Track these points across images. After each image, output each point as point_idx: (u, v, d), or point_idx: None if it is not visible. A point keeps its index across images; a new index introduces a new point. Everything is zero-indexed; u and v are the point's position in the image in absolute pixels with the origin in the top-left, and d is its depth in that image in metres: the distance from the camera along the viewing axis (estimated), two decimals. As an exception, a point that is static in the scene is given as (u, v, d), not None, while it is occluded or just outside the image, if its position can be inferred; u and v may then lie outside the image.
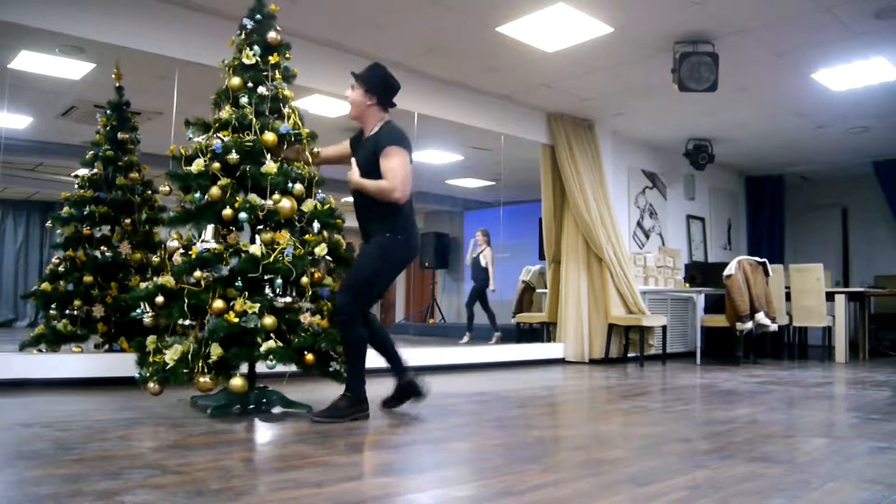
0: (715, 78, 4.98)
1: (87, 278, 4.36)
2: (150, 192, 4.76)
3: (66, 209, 4.54)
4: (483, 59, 5.49)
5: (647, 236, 7.98)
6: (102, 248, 4.49)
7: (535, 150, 6.98)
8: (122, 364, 4.20)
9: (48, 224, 4.64)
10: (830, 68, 5.56)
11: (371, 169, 3.15)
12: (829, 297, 7.18)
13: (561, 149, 6.73)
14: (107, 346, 4.47)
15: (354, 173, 3.18)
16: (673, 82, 5.09)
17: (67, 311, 4.38)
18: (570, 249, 6.81)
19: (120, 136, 4.69)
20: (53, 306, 4.39)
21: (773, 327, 6.85)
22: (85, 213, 4.49)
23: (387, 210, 3.13)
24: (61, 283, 4.43)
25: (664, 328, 6.99)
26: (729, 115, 6.94)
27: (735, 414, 3.51)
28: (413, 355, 5.36)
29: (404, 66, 5.58)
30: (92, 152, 4.66)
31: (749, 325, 6.57)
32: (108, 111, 4.74)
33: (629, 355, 6.89)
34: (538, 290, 7.84)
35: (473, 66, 5.64)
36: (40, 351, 4.29)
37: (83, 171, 4.66)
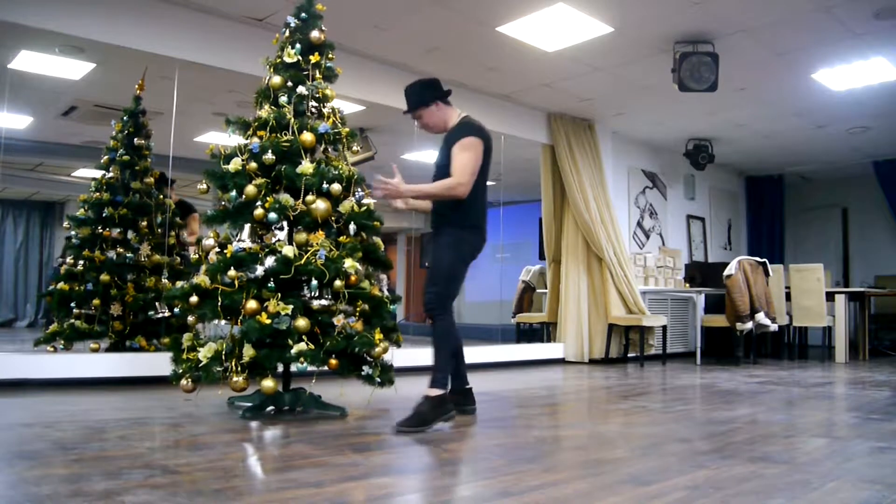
0: (715, 78, 4.98)
1: (105, 277, 4.48)
2: (162, 196, 4.86)
3: (81, 211, 4.64)
4: (483, 59, 5.49)
5: (647, 236, 7.98)
6: (119, 249, 4.62)
7: (535, 150, 6.98)
8: (123, 364, 4.22)
9: (65, 225, 4.77)
10: (830, 68, 5.56)
11: (447, 165, 3.17)
12: (829, 297, 7.18)
13: (561, 149, 6.73)
14: (119, 345, 4.57)
15: (398, 183, 3.08)
16: (673, 82, 5.09)
17: (83, 310, 4.50)
18: (570, 249, 6.81)
19: (136, 142, 4.82)
20: (73, 305, 4.49)
21: (774, 327, 6.85)
22: (104, 215, 4.62)
23: (459, 201, 3.12)
24: (76, 283, 4.54)
25: (664, 328, 6.99)
26: (729, 115, 6.94)
27: (735, 414, 3.51)
28: (413, 355, 5.37)
29: (404, 66, 5.58)
30: (107, 156, 4.80)
31: (749, 325, 6.57)
32: (124, 117, 4.86)
33: (629, 355, 6.89)
34: (538, 290, 7.84)
35: (473, 66, 5.65)
36: (55, 349, 4.36)
37: (96, 174, 4.79)
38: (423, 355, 5.39)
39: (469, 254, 3.23)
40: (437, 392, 2.98)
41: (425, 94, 3.29)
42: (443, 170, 3.22)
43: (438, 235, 3.24)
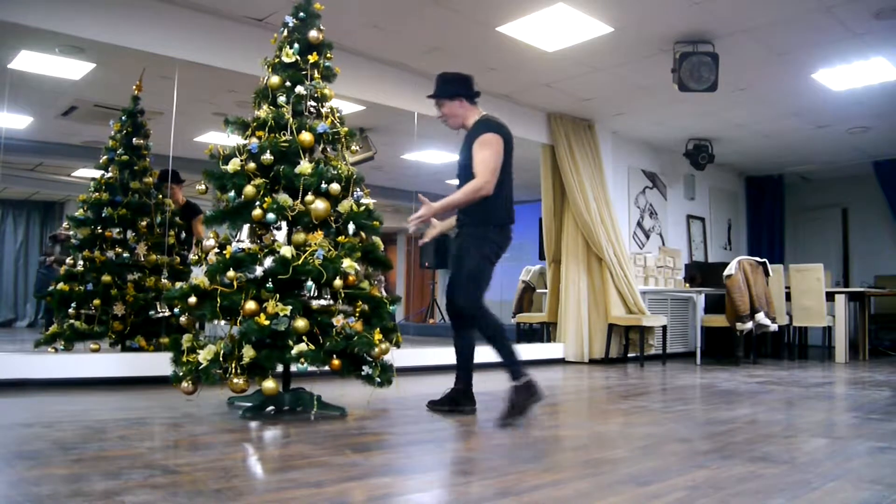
0: (715, 78, 4.98)
1: (106, 278, 4.49)
2: (161, 196, 4.87)
3: (80, 211, 4.63)
4: (483, 59, 5.49)
5: (647, 236, 7.98)
6: (118, 249, 4.61)
7: (535, 150, 6.98)
8: (123, 364, 4.22)
9: (65, 225, 4.77)
10: (830, 68, 5.56)
11: (468, 164, 3.20)
12: (829, 297, 7.18)
13: (561, 149, 6.73)
14: (120, 345, 4.58)
15: (427, 208, 3.15)
16: (673, 82, 5.09)
17: (83, 311, 4.50)
18: (570, 249, 6.81)
19: (135, 141, 4.82)
20: (73, 305, 4.48)
21: (774, 327, 6.85)
22: (104, 215, 4.62)
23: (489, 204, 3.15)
24: (76, 283, 4.54)
25: (664, 328, 6.98)
26: (729, 115, 6.94)
27: (735, 414, 3.51)
28: (413, 355, 5.37)
29: (404, 66, 5.58)
30: (106, 156, 4.80)
31: (749, 325, 6.57)
32: (122, 117, 4.86)
33: (629, 355, 6.89)
34: (538, 290, 7.84)
35: (473, 66, 5.63)
36: (55, 349, 4.36)
37: (96, 174, 4.80)
38: (423, 355, 5.41)
39: (493, 252, 3.26)
40: (521, 381, 3.07)
41: (452, 87, 3.33)
42: (466, 170, 3.24)
43: (461, 236, 3.27)
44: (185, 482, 1.92)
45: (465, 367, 3.37)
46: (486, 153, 3.15)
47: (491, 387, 4.65)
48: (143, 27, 4.31)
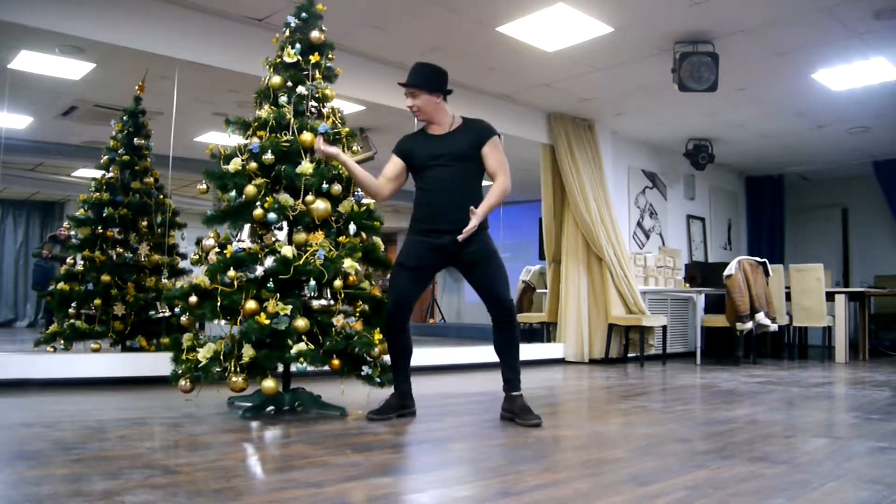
0: (715, 78, 4.98)
1: (105, 278, 4.51)
2: (162, 196, 4.88)
3: (81, 211, 4.65)
4: (483, 59, 5.48)
5: (647, 236, 7.98)
6: (119, 249, 4.61)
7: (535, 150, 6.98)
8: (124, 364, 4.21)
9: (66, 225, 4.79)
10: (830, 68, 5.56)
11: (469, 156, 3.17)
12: (829, 297, 7.18)
13: (561, 149, 6.73)
14: (120, 345, 4.60)
15: (476, 218, 3.02)
16: (673, 82, 5.09)
17: (83, 310, 4.52)
18: (570, 249, 6.82)
19: (136, 141, 4.84)
20: (73, 305, 4.50)
21: (774, 327, 6.85)
22: (104, 215, 4.64)
23: (480, 200, 3.15)
24: (77, 283, 4.56)
25: (664, 328, 6.99)
26: (729, 115, 6.94)
27: (735, 414, 3.51)
28: (414, 355, 5.36)
29: (404, 66, 5.56)
30: (107, 156, 4.81)
31: (749, 325, 6.57)
32: (124, 117, 4.88)
33: (629, 355, 6.89)
34: (538, 290, 7.84)
35: (473, 66, 5.64)
36: (55, 349, 4.36)
37: (96, 174, 4.81)
38: (423, 355, 5.41)
39: None
40: (520, 391, 3.15)
41: (437, 81, 3.22)
42: (466, 162, 3.16)
43: (484, 241, 3.15)
44: (185, 482, 1.92)
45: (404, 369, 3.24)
46: (503, 156, 3.22)
47: (492, 387, 4.65)
48: (143, 27, 4.31)
